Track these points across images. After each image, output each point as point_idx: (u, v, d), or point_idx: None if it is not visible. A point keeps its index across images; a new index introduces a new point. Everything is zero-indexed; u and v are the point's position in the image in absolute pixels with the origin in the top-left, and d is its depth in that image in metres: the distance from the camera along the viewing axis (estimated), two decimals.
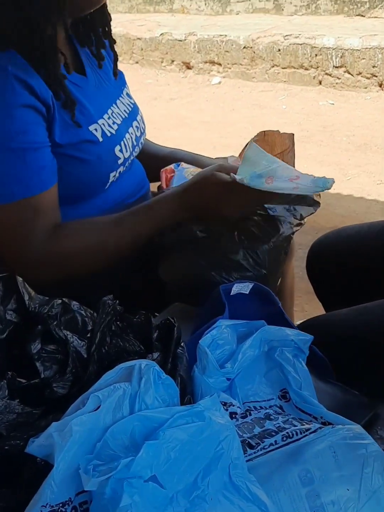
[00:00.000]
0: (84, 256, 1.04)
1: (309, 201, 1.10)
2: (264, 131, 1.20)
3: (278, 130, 1.17)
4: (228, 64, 5.19)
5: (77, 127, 1.02)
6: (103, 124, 1.08)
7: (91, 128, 1.05)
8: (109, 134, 1.08)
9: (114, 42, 1.19)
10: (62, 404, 0.66)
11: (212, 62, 5.29)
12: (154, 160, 1.30)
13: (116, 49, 1.20)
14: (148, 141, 1.37)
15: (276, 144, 1.18)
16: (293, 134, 1.18)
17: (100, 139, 1.06)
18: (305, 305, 2.20)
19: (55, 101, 0.98)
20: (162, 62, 5.68)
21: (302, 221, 1.08)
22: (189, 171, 1.22)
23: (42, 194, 0.98)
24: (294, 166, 1.19)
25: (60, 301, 0.76)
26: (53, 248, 1.01)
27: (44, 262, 1.01)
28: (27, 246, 1.00)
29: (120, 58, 1.23)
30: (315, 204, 1.10)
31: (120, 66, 1.29)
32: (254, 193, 0.96)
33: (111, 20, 1.17)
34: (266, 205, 1.07)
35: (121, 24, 5.75)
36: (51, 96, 0.97)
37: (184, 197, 1.05)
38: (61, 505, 0.55)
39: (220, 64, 5.25)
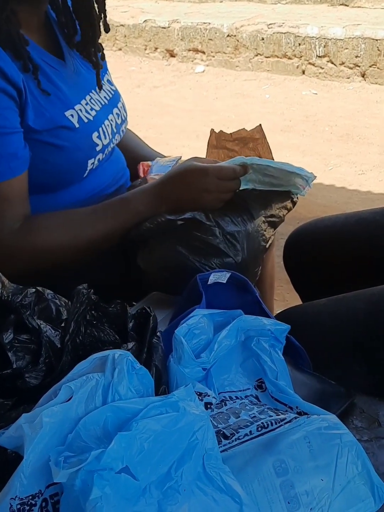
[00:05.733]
0: (55, 252, 1.02)
1: (284, 197, 1.10)
2: (221, 132, 1.20)
3: (244, 128, 1.18)
4: (211, 52, 5.17)
5: (45, 95, 0.99)
6: (80, 109, 1.06)
7: (67, 113, 1.03)
8: (86, 120, 1.06)
9: (102, 49, 1.17)
10: (35, 394, 0.65)
11: (196, 50, 5.26)
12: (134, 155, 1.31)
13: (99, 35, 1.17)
14: (138, 140, 1.38)
15: (248, 140, 1.18)
16: (260, 125, 1.19)
17: (77, 125, 1.04)
18: (286, 294, 2.21)
19: (27, 85, 0.96)
20: (145, 49, 5.63)
21: (276, 214, 1.07)
22: (165, 159, 1.22)
23: (10, 181, 0.95)
24: (271, 153, 1.20)
25: (33, 289, 0.75)
26: (23, 243, 0.99)
27: (12, 254, 0.98)
28: None
29: (102, 45, 1.20)
30: (287, 199, 1.10)
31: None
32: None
33: (100, 35, 1.13)
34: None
35: None
36: (22, 79, 0.95)
37: (163, 189, 1.04)
38: (30, 497, 0.54)
39: (203, 52, 5.22)
